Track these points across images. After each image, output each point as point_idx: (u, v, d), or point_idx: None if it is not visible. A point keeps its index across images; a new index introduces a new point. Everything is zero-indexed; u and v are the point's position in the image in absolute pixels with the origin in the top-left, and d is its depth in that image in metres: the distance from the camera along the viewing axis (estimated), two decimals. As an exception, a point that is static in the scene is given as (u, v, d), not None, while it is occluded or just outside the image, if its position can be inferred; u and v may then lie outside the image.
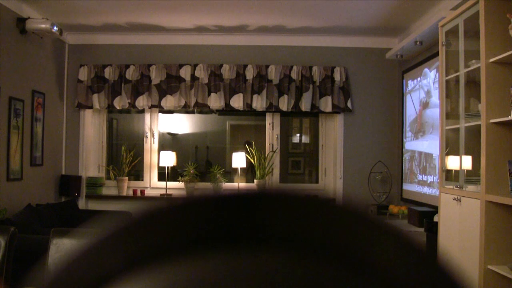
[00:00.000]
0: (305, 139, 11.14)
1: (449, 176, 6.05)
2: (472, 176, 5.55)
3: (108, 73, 10.33)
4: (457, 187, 5.73)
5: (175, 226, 0.43)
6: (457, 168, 5.84)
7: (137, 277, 0.41)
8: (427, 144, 8.90)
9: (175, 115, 10.93)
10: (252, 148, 10.53)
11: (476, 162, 5.41)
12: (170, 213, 0.44)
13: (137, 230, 0.44)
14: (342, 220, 0.44)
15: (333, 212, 0.44)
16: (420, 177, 9.26)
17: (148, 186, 10.69)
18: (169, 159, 10.45)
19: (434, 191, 8.34)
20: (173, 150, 10.63)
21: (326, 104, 10.20)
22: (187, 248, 0.43)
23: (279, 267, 0.42)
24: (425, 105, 9.07)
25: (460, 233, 5.51)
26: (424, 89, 9.12)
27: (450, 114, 6.06)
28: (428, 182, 8.81)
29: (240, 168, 10.50)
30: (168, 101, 10.25)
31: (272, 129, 10.64)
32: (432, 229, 6.52)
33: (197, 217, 0.43)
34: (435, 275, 0.44)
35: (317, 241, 0.43)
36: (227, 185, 10.51)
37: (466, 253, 5.32)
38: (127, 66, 10.31)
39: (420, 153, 9.29)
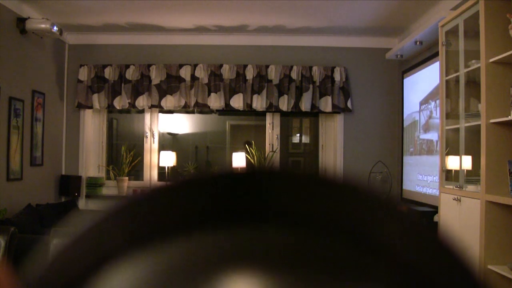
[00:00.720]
0: (305, 139, 11.15)
1: (449, 176, 6.05)
2: (472, 176, 5.55)
3: (108, 73, 10.32)
4: (457, 187, 5.73)
5: (177, 204, 0.44)
6: (457, 168, 5.84)
7: (138, 256, 0.42)
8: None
9: (175, 115, 10.92)
10: (252, 148, 10.52)
11: (476, 162, 5.41)
12: (172, 191, 0.44)
13: (138, 209, 0.44)
14: (347, 197, 0.44)
15: (338, 189, 0.45)
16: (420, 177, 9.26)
17: (148, 186, 10.59)
18: (169, 159, 10.45)
19: (434, 191, 8.34)
20: (173, 150, 10.64)
21: (326, 104, 10.20)
22: (188, 226, 0.43)
23: (283, 243, 0.42)
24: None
25: (460, 233, 5.51)
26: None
27: (450, 114, 6.06)
28: (429, 181, 8.81)
29: (240, 168, 10.44)
30: (168, 101, 10.24)
31: (272, 129, 10.63)
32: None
33: (199, 195, 0.44)
34: (440, 252, 0.44)
35: (321, 218, 0.43)
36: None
37: (466, 253, 5.32)
38: (127, 66, 10.30)
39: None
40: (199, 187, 0.44)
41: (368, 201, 0.44)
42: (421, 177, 9.24)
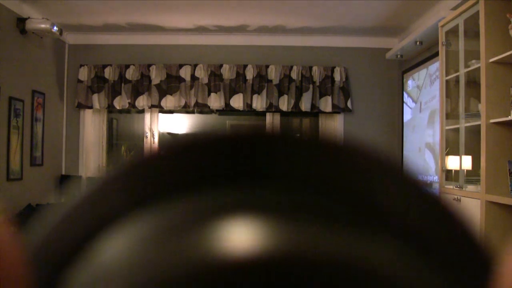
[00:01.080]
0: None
1: (449, 176, 6.04)
2: (472, 176, 5.54)
3: (108, 73, 10.30)
4: (457, 187, 5.72)
5: (176, 166, 0.44)
6: (457, 168, 5.83)
7: (139, 216, 0.42)
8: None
9: (175, 115, 10.87)
10: (252, 148, 10.49)
11: (476, 162, 5.40)
12: (171, 153, 0.45)
13: (138, 171, 0.44)
14: (348, 159, 0.45)
15: (338, 152, 0.45)
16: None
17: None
18: (169, 158, 10.41)
19: (434, 191, 8.32)
20: (173, 150, 10.57)
21: (326, 104, 10.18)
22: (187, 186, 0.43)
23: (281, 199, 0.43)
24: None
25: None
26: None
27: (450, 114, 6.05)
28: (429, 181, 8.79)
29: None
30: (168, 101, 10.22)
31: (272, 128, 10.56)
32: (432, 229, 6.48)
33: (198, 157, 0.44)
34: (442, 217, 0.44)
35: (321, 179, 0.44)
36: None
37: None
38: (127, 66, 10.27)
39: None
40: (199, 148, 0.44)
41: (369, 163, 0.44)
42: (421, 177, 9.21)
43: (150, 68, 10.25)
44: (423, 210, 0.44)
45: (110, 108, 10.47)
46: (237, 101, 10.14)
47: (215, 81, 10.17)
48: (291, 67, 10.19)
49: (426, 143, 9.01)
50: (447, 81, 6.04)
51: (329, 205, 0.42)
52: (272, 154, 0.44)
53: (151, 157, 0.45)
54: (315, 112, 10.37)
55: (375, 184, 0.44)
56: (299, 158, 0.44)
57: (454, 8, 6.26)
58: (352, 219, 0.42)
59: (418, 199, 0.45)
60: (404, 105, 10.11)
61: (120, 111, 10.70)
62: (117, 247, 0.41)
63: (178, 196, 0.43)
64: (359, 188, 0.43)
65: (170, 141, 0.45)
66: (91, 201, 0.44)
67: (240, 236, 0.37)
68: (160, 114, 10.70)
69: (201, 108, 10.28)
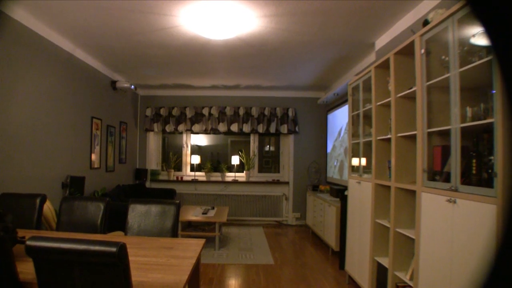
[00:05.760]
0: (272, 148, 11.00)
1: (354, 169, 5.91)
2: (366, 169, 5.42)
3: (162, 111, 10.18)
4: (358, 175, 5.58)
5: None
6: (358, 164, 5.70)
7: None
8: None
9: (200, 135, 10.76)
10: (243, 153, 10.43)
11: (368, 161, 5.28)
12: None
13: None
14: None
15: None
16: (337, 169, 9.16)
17: (185, 174, 10.55)
18: (196, 159, 10.35)
19: (345, 177, 8.24)
20: (198, 154, 10.53)
21: (284, 128, 10.09)
22: None
23: None
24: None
25: (360, 203, 5.35)
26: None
27: (354, 134, 5.91)
28: (341, 172, 8.71)
29: (236, 164, 10.42)
30: (196, 127, 10.11)
31: (254, 142, 10.52)
32: (343, 198, 6.37)
33: None
34: None
35: None
36: (228, 174, 10.42)
37: (364, 213, 5.16)
38: (173, 107, 10.18)
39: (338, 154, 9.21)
40: None
41: None
42: (337, 169, 9.13)
43: (186, 108, 10.14)
44: None
45: (164, 131, 10.35)
46: (234, 127, 10.06)
47: (222, 115, 10.09)
48: (264, 108, 10.10)
49: (344, 149, 8.92)
50: (352, 116, 5.90)
51: None
52: None
53: None
54: (278, 133, 10.27)
55: None
56: None
57: (357, 74, 6.13)
58: None
59: None
60: (328, 129, 10.05)
61: (169, 133, 10.54)
62: None
63: None
64: None
65: None
66: None
67: None
68: (192, 134, 10.60)
69: (214, 131, 10.16)
